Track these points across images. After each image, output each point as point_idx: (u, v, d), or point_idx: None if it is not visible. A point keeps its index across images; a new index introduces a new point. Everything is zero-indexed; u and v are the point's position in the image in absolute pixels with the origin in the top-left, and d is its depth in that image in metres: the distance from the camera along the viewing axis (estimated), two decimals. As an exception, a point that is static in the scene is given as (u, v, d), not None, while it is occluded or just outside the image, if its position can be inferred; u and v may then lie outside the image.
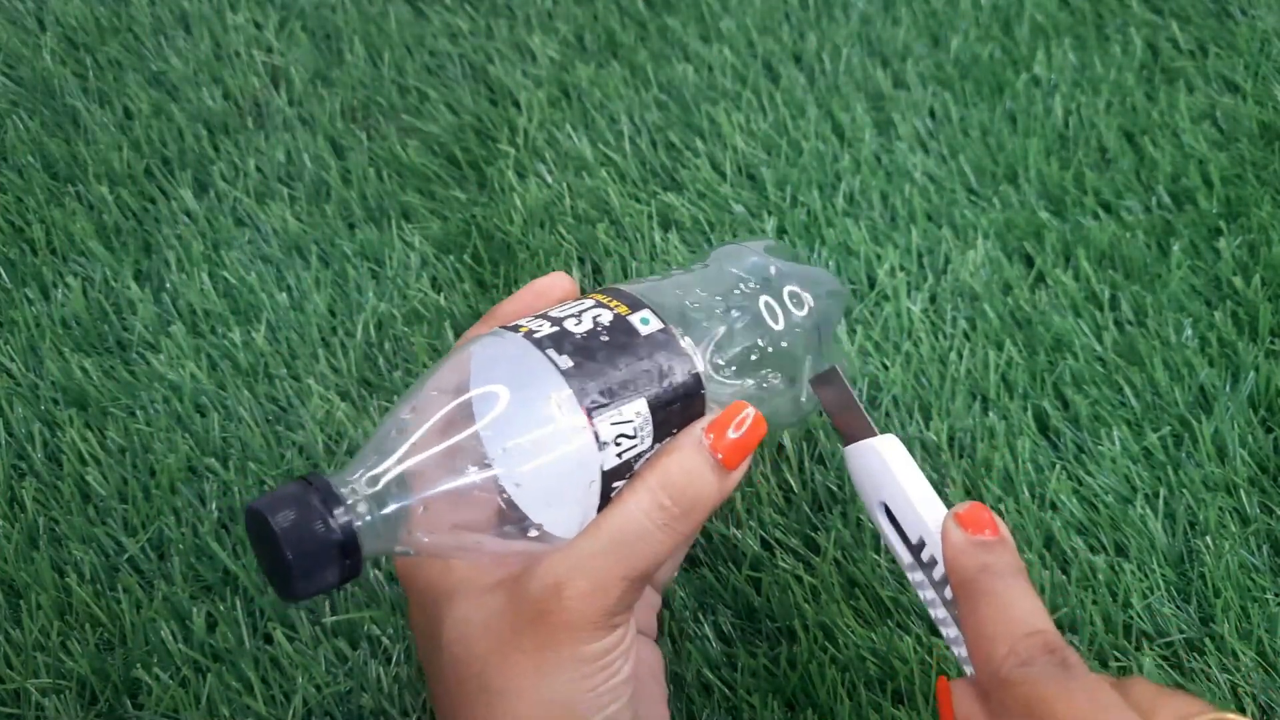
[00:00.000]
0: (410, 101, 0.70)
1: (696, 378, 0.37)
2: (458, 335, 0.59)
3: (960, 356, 0.56)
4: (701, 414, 0.38)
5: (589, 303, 0.38)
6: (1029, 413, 0.54)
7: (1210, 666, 0.47)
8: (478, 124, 0.69)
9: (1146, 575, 0.49)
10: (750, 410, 0.37)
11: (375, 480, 0.33)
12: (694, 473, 0.36)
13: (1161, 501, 0.51)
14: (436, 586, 0.38)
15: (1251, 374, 0.54)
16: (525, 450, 0.34)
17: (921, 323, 0.58)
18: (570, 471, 0.35)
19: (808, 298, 0.40)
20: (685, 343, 0.37)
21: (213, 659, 0.49)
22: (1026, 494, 0.52)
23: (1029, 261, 0.61)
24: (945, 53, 0.71)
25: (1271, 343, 0.56)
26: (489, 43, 0.73)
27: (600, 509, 0.36)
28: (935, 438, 0.53)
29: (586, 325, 0.37)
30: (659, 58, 0.72)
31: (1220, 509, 0.51)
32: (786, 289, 0.40)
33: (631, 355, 0.36)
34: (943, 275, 0.60)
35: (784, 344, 0.39)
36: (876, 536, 0.51)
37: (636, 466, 0.36)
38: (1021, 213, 0.62)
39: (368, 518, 0.33)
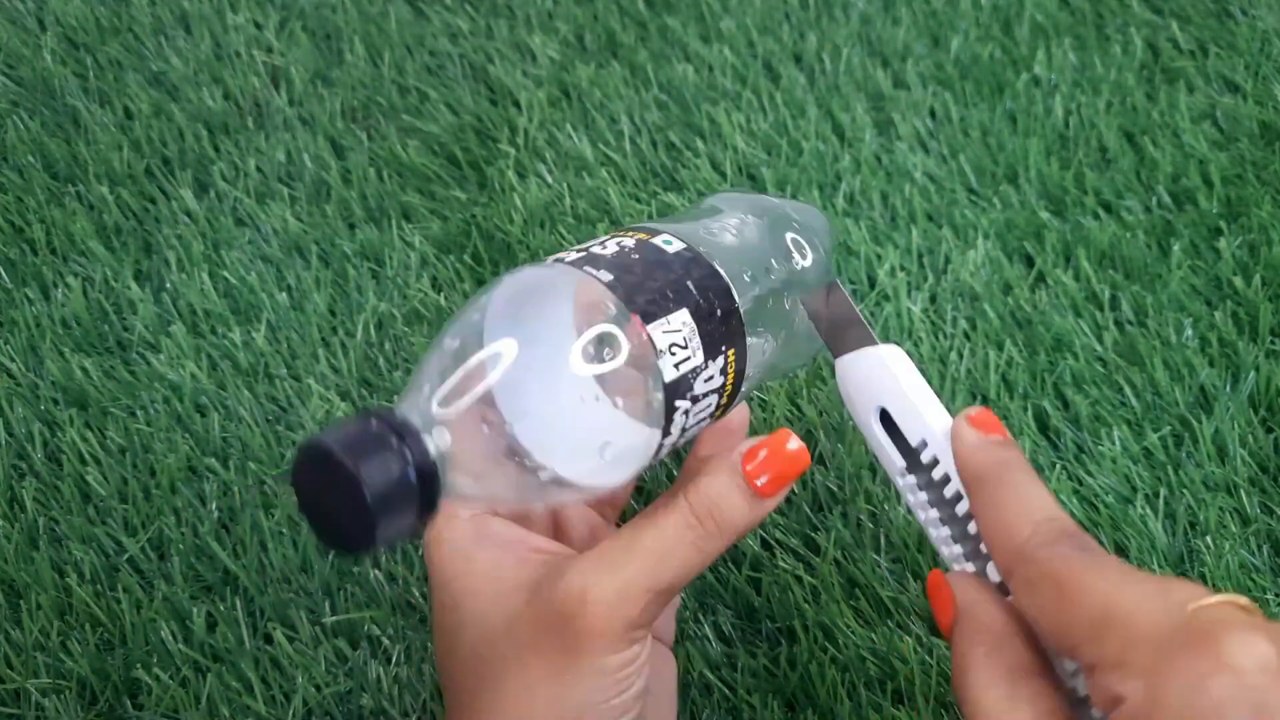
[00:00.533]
0: (410, 101, 0.70)
1: (728, 291, 0.37)
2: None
3: (960, 356, 0.56)
4: (740, 334, 0.37)
5: (606, 237, 0.37)
6: (1029, 413, 0.54)
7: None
8: (478, 124, 0.69)
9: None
10: (793, 442, 0.37)
11: (446, 401, 0.30)
12: (730, 498, 0.37)
13: (1162, 501, 0.51)
14: (458, 585, 0.38)
15: (1252, 374, 0.54)
16: (592, 363, 0.33)
17: (921, 323, 0.58)
18: (635, 383, 0.33)
19: (816, 242, 0.41)
20: (714, 262, 0.37)
21: (213, 659, 0.49)
22: (1027, 494, 0.52)
23: (1029, 261, 0.61)
24: (945, 53, 0.71)
25: (1272, 343, 0.56)
26: (489, 43, 0.73)
27: (666, 432, 0.35)
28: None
29: (613, 249, 0.36)
30: (659, 58, 0.72)
31: (1220, 509, 0.51)
32: (789, 235, 0.40)
33: (664, 269, 0.36)
34: (943, 275, 0.60)
35: (798, 277, 0.39)
36: (877, 537, 0.51)
37: (695, 385, 0.35)
38: (1022, 213, 0.62)
39: (442, 448, 0.29)
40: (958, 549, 0.35)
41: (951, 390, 0.55)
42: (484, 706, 0.37)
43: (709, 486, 0.37)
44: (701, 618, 0.49)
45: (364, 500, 0.28)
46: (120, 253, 0.63)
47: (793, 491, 0.52)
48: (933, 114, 0.68)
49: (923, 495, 0.36)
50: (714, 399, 0.37)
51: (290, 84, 0.71)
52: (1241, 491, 0.51)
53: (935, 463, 0.36)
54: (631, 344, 0.34)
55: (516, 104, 0.70)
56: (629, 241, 0.37)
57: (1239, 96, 0.67)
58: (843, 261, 0.60)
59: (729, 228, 0.40)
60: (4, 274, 0.62)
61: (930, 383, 0.55)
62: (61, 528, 0.52)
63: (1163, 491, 0.51)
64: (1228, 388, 0.55)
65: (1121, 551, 0.50)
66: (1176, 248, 0.60)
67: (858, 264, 0.60)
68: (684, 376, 0.35)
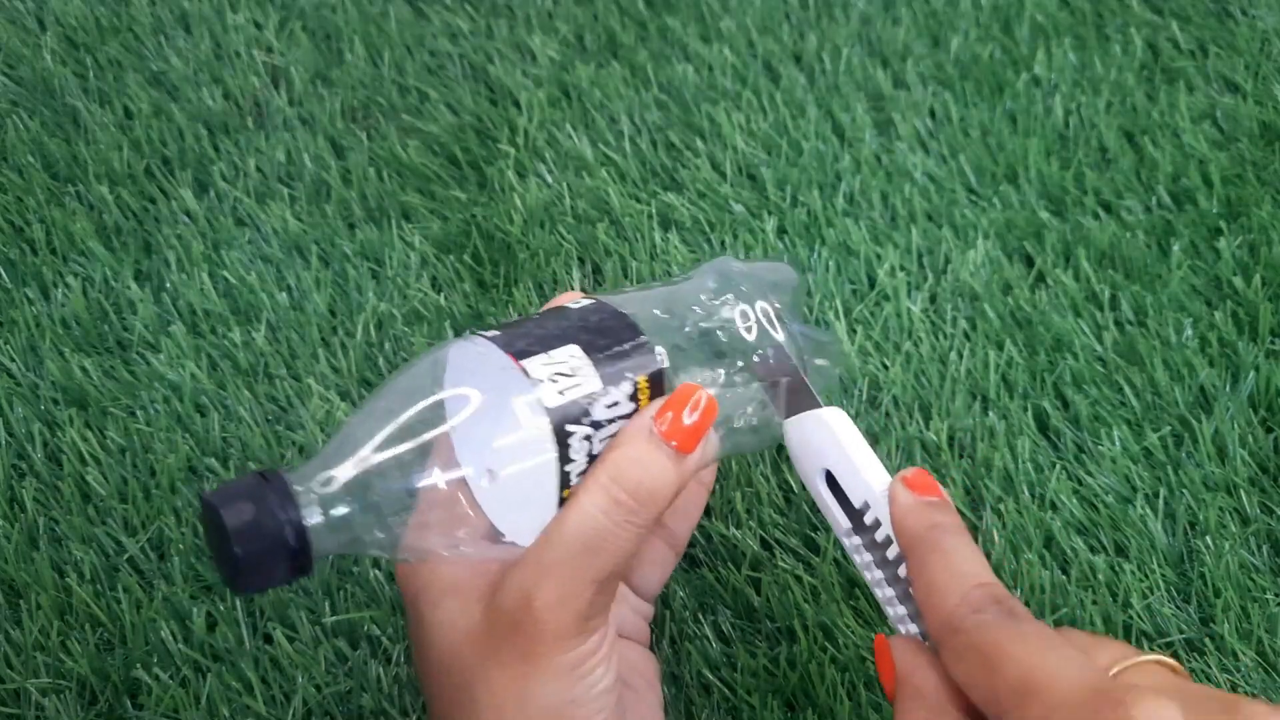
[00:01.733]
0: (410, 101, 0.70)
1: (632, 325, 0.37)
2: (458, 335, 0.59)
3: (960, 356, 0.56)
4: (653, 361, 0.37)
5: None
6: (1029, 413, 0.54)
7: (1210, 666, 0.47)
8: (478, 124, 0.69)
9: (1146, 575, 0.49)
10: (701, 392, 0.36)
11: (329, 481, 0.34)
12: (646, 462, 0.36)
13: (1161, 502, 0.51)
14: (423, 599, 0.38)
15: (1252, 374, 0.54)
16: (476, 427, 0.35)
17: (921, 323, 0.58)
18: (511, 419, 0.35)
19: (783, 323, 0.41)
20: (620, 308, 0.38)
21: (213, 659, 0.49)
22: (1026, 494, 0.52)
23: (1029, 261, 0.61)
24: (945, 53, 0.71)
25: (1272, 343, 0.56)
26: (489, 43, 0.73)
27: (566, 458, 0.35)
28: (935, 438, 0.53)
29: (528, 318, 0.38)
30: (659, 58, 0.72)
31: (1220, 509, 0.51)
32: (759, 304, 0.40)
33: (559, 317, 0.37)
34: (943, 275, 0.60)
35: (754, 356, 0.40)
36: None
37: (593, 411, 0.36)
38: (1022, 213, 0.62)
39: (320, 518, 0.33)
40: (902, 610, 0.35)
41: (952, 390, 0.55)
42: (460, 715, 0.37)
43: (625, 458, 0.35)
44: (701, 618, 0.49)
45: (235, 554, 0.32)
46: (120, 253, 0.63)
47: (793, 491, 0.52)
48: (933, 114, 0.68)
49: (868, 556, 0.36)
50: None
51: (290, 84, 0.71)
52: (1241, 491, 0.51)
53: (878, 524, 0.36)
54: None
55: (516, 104, 0.70)
56: (545, 310, 0.39)
57: (1239, 96, 0.67)
58: (843, 261, 0.60)
59: (674, 286, 0.41)
60: (4, 274, 0.62)
61: (930, 383, 0.56)
62: (61, 528, 0.52)
63: (1163, 491, 0.51)
64: (1228, 388, 0.55)
65: (1121, 551, 0.50)
66: (1176, 248, 0.60)
67: (858, 264, 0.60)
68: (574, 402, 0.35)
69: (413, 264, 0.62)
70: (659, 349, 0.37)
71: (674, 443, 0.36)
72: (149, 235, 0.64)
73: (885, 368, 0.56)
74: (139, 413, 0.56)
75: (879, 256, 0.61)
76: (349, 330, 0.59)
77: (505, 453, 0.35)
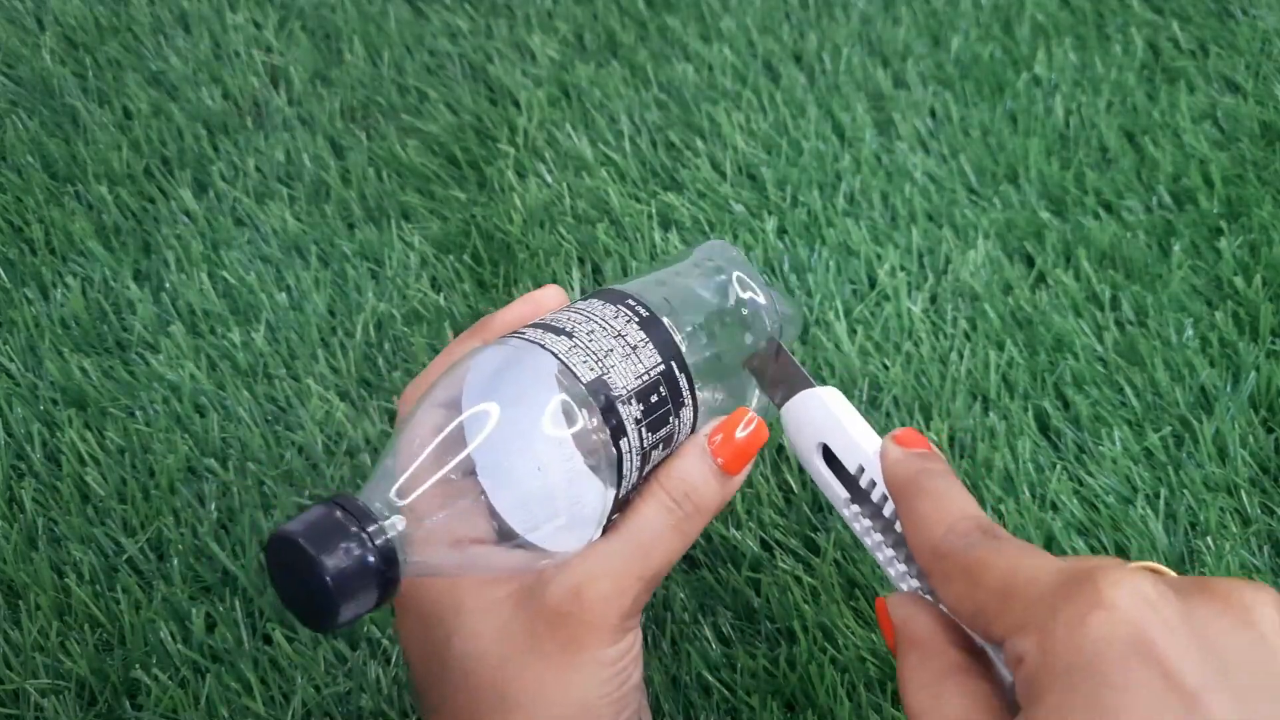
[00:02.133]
0: (410, 101, 0.70)
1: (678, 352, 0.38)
2: (457, 335, 0.59)
3: (961, 357, 0.56)
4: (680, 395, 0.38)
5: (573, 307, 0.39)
6: (1029, 413, 0.54)
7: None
8: (477, 124, 0.69)
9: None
10: (753, 416, 0.39)
11: (405, 493, 0.32)
12: (696, 475, 0.38)
13: (1162, 502, 0.51)
14: (442, 602, 0.38)
15: (1252, 374, 0.54)
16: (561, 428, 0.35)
17: (922, 323, 0.58)
18: (596, 445, 0.35)
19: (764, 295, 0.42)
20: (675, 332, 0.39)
21: (212, 660, 0.49)
22: (1027, 494, 0.52)
23: (1029, 261, 0.61)
24: (946, 52, 0.71)
25: (1272, 343, 0.56)
26: (489, 42, 0.73)
27: (617, 473, 0.36)
28: (936, 438, 0.53)
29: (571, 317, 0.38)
30: (659, 57, 0.72)
31: (1221, 509, 0.51)
32: (736, 274, 0.42)
33: (634, 359, 0.37)
34: (943, 275, 0.60)
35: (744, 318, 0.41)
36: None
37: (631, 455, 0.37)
38: (1022, 213, 0.62)
39: (401, 532, 0.32)
40: (902, 567, 0.37)
41: (952, 390, 0.55)
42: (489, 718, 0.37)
43: (680, 470, 0.38)
44: (701, 618, 0.49)
45: (326, 585, 0.30)
46: (119, 253, 0.63)
47: (793, 492, 0.52)
48: (933, 114, 0.68)
49: (866, 522, 0.38)
50: (656, 453, 0.38)
51: (289, 84, 0.71)
52: (1242, 492, 0.51)
53: (873, 485, 0.37)
54: (589, 411, 0.35)
55: (516, 104, 0.70)
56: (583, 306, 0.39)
57: (1239, 96, 0.67)
58: (843, 261, 0.60)
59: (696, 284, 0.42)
60: (3, 274, 0.62)
61: (930, 383, 0.55)
62: (60, 528, 0.52)
63: (1163, 492, 0.51)
64: (1228, 388, 0.54)
65: (1122, 552, 0.50)
66: (1177, 248, 0.60)
67: (858, 264, 0.60)
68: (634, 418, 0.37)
69: (412, 264, 0.62)
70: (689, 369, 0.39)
71: (721, 461, 0.38)
72: (148, 235, 0.64)
73: (886, 368, 0.56)
74: (138, 413, 0.56)
75: (879, 256, 0.60)
76: (348, 330, 0.59)
77: (580, 486, 0.35)
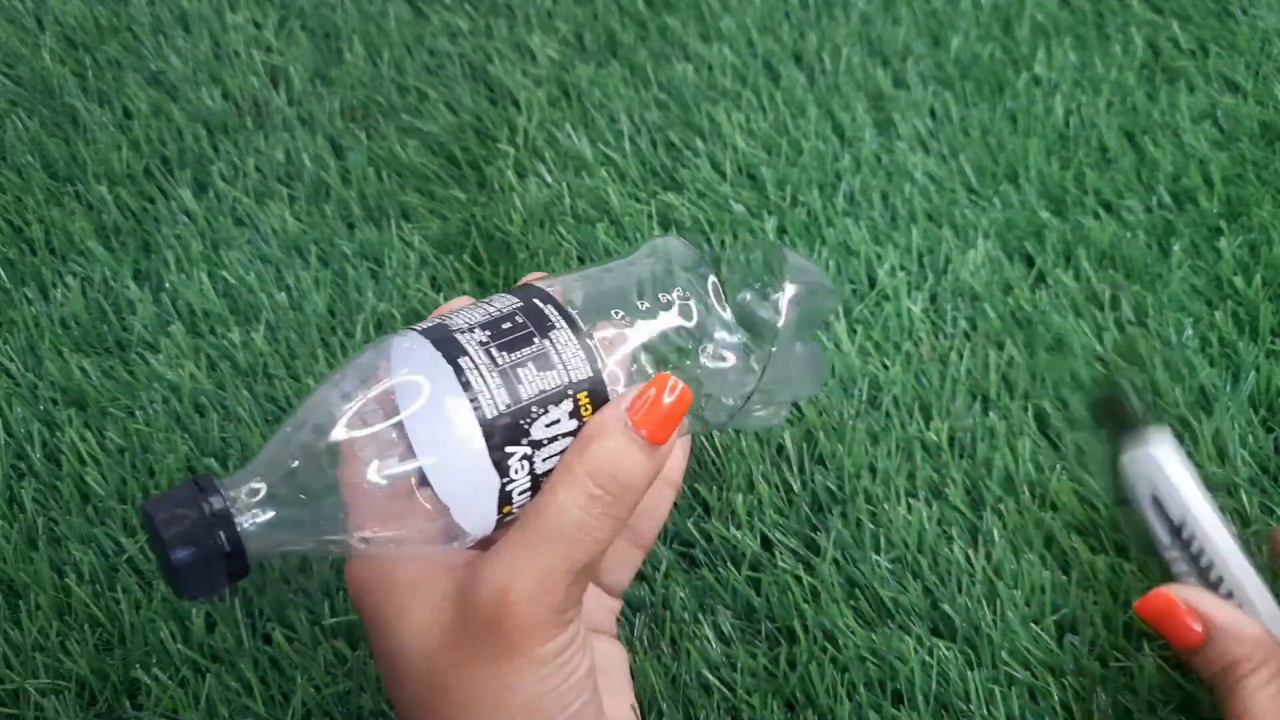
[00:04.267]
0: (410, 101, 0.70)
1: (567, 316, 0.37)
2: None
3: (961, 356, 0.56)
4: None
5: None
6: (1029, 413, 0.54)
7: (1211, 667, 0.47)
8: (477, 124, 0.69)
9: (1147, 576, 0.49)
10: (674, 380, 0.36)
11: (255, 492, 0.35)
12: (621, 455, 0.35)
13: (1162, 502, 0.51)
14: (388, 600, 0.37)
15: (1252, 374, 0.54)
16: (423, 435, 0.35)
17: (922, 323, 0.58)
18: (444, 417, 0.35)
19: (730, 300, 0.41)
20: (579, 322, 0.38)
21: (212, 659, 0.49)
22: (1027, 494, 0.52)
23: (1029, 261, 0.61)
24: (945, 52, 0.71)
25: (1272, 343, 0.56)
26: (489, 42, 0.73)
27: (499, 457, 0.35)
28: (935, 438, 0.53)
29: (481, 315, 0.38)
30: (659, 57, 0.72)
31: (1221, 510, 0.51)
32: (712, 279, 0.40)
33: (497, 309, 0.37)
34: (943, 275, 0.60)
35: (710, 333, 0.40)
36: (876, 537, 0.51)
37: (530, 428, 0.36)
38: (1022, 212, 0.62)
39: (252, 523, 0.34)
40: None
41: (952, 390, 0.55)
42: (438, 717, 0.37)
43: (601, 451, 0.35)
44: (701, 618, 0.49)
45: (171, 559, 0.33)
46: (119, 253, 0.63)
47: (793, 491, 0.52)
48: (933, 114, 0.68)
49: (1183, 567, 0.45)
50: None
51: (289, 83, 0.71)
52: (1242, 492, 0.51)
53: (1192, 538, 0.45)
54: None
55: (516, 104, 0.70)
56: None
57: (1239, 96, 0.67)
58: (843, 261, 0.60)
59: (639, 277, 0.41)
60: (3, 274, 0.62)
61: (930, 383, 0.55)
62: (60, 528, 0.52)
63: (1163, 492, 0.51)
64: (1228, 388, 0.54)
65: (1122, 552, 0.50)
66: (1177, 247, 0.60)
67: (858, 264, 0.60)
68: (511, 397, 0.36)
69: (412, 264, 0.62)
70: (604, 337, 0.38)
71: (645, 432, 0.36)
72: (148, 235, 0.64)
73: (885, 368, 0.56)
74: (138, 413, 0.56)
75: (879, 256, 0.60)
76: (348, 330, 0.59)
77: (435, 446, 0.35)
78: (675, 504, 0.49)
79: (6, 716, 0.48)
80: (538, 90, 0.70)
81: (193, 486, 0.34)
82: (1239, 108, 0.66)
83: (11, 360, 0.59)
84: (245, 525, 0.34)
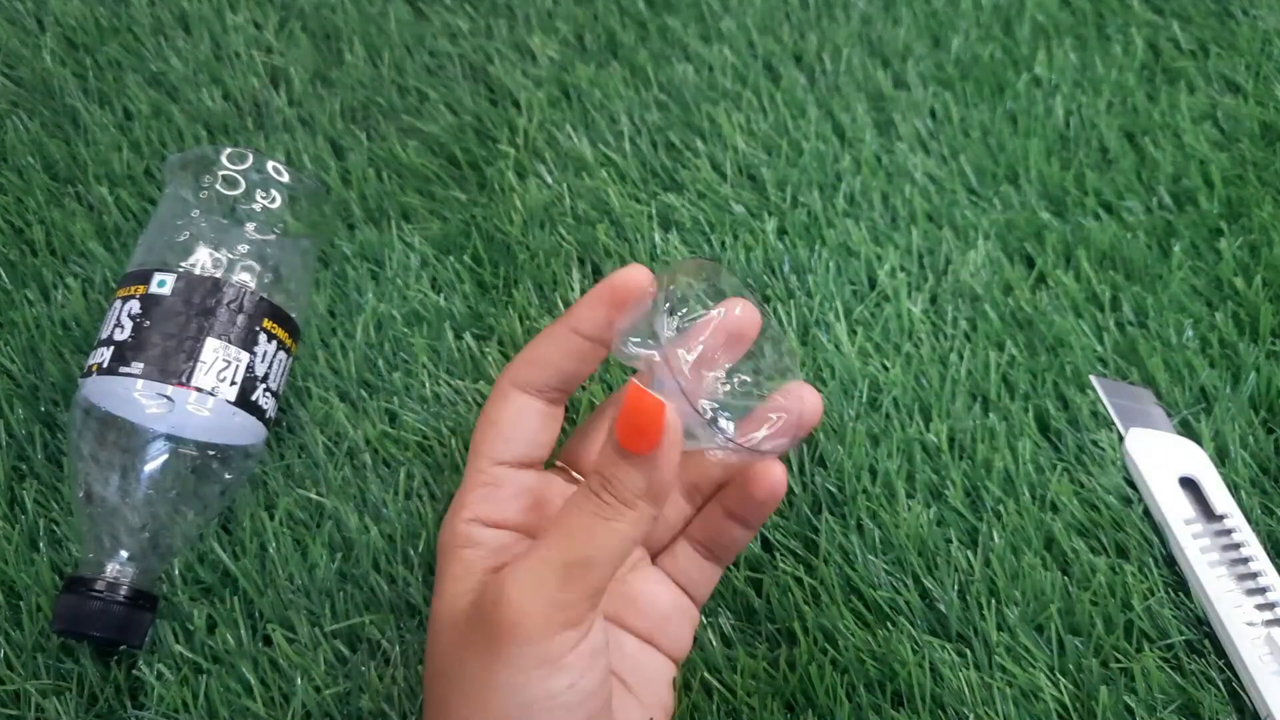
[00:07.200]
0: (410, 102, 0.70)
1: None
2: (458, 336, 0.59)
3: (961, 357, 0.56)
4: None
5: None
6: (1030, 413, 0.54)
7: (1210, 668, 0.47)
8: (478, 124, 0.69)
9: (1147, 577, 0.49)
10: (644, 394, 0.36)
11: (116, 559, 0.48)
12: (617, 466, 0.37)
13: (1162, 503, 0.51)
14: (438, 586, 0.41)
15: (1252, 375, 0.54)
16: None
17: (922, 323, 0.58)
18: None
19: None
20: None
21: (212, 660, 0.49)
22: (1027, 495, 0.52)
23: (1030, 262, 0.61)
24: (946, 53, 0.71)
25: (1272, 344, 0.56)
26: (489, 43, 0.73)
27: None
28: (935, 439, 0.53)
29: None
30: (659, 58, 0.72)
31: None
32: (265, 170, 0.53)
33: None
34: (943, 276, 0.60)
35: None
36: (876, 538, 0.51)
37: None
38: (1022, 213, 0.62)
39: (134, 579, 0.48)
40: (1231, 585, 0.48)
41: (952, 391, 0.55)
42: (445, 711, 0.38)
43: (599, 461, 0.37)
44: (702, 619, 0.49)
45: (112, 639, 0.48)
46: (120, 254, 0.63)
47: (793, 493, 0.52)
48: (933, 114, 0.68)
49: (1205, 540, 0.49)
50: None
51: (290, 84, 0.71)
52: (1242, 493, 0.51)
53: (1234, 529, 0.49)
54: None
55: (516, 104, 0.70)
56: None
57: (1240, 97, 0.67)
58: (843, 262, 0.60)
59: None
60: (4, 275, 0.62)
61: (930, 384, 0.55)
62: (62, 529, 0.52)
63: (1163, 493, 0.51)
64: (1228, 389, 0.54)
65: (1122, 553, 0.50)
66: (1177, 248, 0.60)
67: (858, 265, 0.60)
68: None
69: (412, 265, 0.62)
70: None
71: (622, 443, 0.37)
72: (149, 236, 0.64)
73: (886, 369, 0.56)
74: (139, 414, 0.56)
75: (879, 257, 0.60)
76: (348, 331, 0.59)
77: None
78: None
79: (8, 717, 0.48)
80: (538, 91, 0.70)
81: (73, 597, 0.47)
82: (1239, 108, 0.66)
83: (12, 361, 0.59)
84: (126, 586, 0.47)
